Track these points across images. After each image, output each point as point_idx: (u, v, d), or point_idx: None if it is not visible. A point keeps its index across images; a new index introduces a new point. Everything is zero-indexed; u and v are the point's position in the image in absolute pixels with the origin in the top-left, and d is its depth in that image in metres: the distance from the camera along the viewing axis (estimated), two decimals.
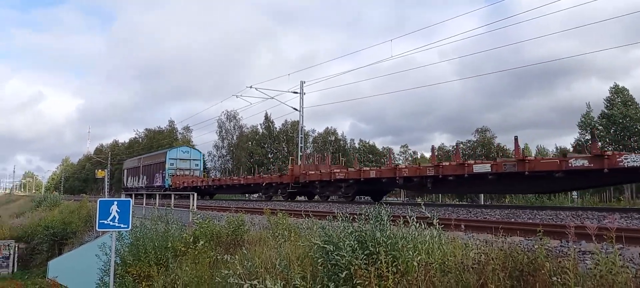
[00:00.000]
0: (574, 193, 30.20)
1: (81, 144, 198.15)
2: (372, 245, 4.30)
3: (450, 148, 54.13)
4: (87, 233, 24.29)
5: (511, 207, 15.96)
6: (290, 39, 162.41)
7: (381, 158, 58.81)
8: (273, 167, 51.73)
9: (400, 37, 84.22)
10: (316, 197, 24.76)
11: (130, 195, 31.47)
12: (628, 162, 11.44)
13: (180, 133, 73.72)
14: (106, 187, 55.84)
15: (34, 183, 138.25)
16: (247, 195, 39.10)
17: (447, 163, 16.28)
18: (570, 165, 12.46)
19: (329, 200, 22.29)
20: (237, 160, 59.32)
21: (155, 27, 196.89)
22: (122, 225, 7.85)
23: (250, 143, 62.86)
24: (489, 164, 14.68)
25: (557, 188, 17.11)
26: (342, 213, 4.96)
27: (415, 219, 4.72)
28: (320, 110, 68.83)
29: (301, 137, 33.81)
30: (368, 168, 20.71)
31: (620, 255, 3.77)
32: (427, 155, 56.12)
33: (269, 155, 63.00)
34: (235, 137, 63.28)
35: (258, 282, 4.39)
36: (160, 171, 40.60)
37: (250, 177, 30.92)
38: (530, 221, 9.41)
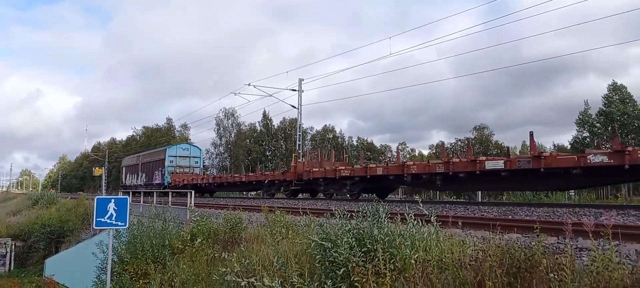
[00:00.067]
0: (571, 190, 30.26)
1: (79, 141, 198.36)
2: (369, 242, 4.29)
3: (448, 145, 54.32)
4: (84, 231, 24.25)
5: (508, 204, 15.99)
6: (289, 37, 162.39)
7: (379, 156, 58.89)
8: (271, 165, 51.78)
9: (399, 34, 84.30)
10: (320, 195, 24.44)
11: (128, 193, 31.32)
12: None
13: (178, 131, 73.72)
14: (103, 184, 55.68)
15: (31, 181, 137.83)
16: (246, 192, 38.95)
17: (458, 160, 15.77)
18: (588, 161, 11.87)
19: (333, 198, 21.89)
20: (235, 157, 59.29)
21: (154, 25, 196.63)
22: (119, 223, 7.82)
23: (248, 140, 62.87)
24: (502, 160, 14.06)
25: (575, 185, 16.57)
26: (339, 210, 4.96)
27: (412, 216, 4.72)
28: (318, 107, 69.13)
29: (299, 135, 33.83)
30: (374, 166, 20.24)
31: (616, 251, 3.78)
32: (425, 152, 56.25)
33: (267, 153, 63.02)
34: (233, 135, 63.22)
35: (255, 280, 4.38)
36: (160, 168, 40.28)
37: (252, 174, 30.53)
38: (528, 218, 9.43)
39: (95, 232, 16.69)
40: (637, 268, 3.27)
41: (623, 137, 38.58)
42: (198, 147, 45.21)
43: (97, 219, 7.71)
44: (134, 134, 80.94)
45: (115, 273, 8.39)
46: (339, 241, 4.32)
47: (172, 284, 7.06)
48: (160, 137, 69.48)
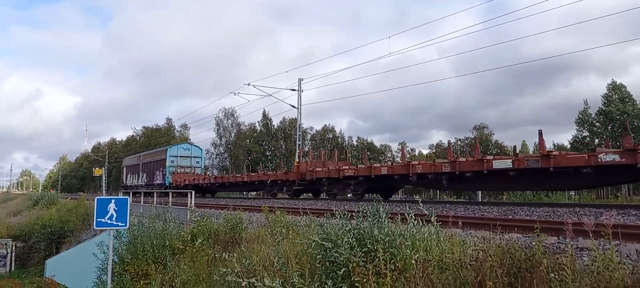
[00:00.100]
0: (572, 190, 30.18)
1: (79, 141, 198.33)
2: (370, 242, 4.30)
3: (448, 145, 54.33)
4: (85, 231, 24.25)
5: (509, 204, 15.95)
6: (289, 37, 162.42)
7: (379, 156, 58.88)
8: (271, 165, 51.78)
9: (398, 34, 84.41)
10: (323, 195, 24.23)
11: (128, 193, 31.24)
12: None
13: (177, 131, 73.71)
14: (104, 185, 55.67)
15: (31, 182, 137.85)
16: (246, 193, 38.83)
17: (464, 159, 15.53)
18: (599, 160, 11.61)
19: (337, 198, 21.72)
20: (234, 157, 59.29)
21: (154, 25, 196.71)
22: (119, 224, 7.82)
23: (248, 140, 62.87)
24: (510, 160, 13.79)
25: (585, 185, 16.23)
26: (340, 210, 4.97)
27: (413, 216, 4.72)
28: (318, 107, 69.16)
29: (299, 135, 33.80)
30: (379, 165, 20.04)
31: (617, 251, 3.79)
32: (425, 152, 56.24)
33: (267, 153, 63.04)
34: (233, 135, 63.22)
35: (256, 280, 4.39)
36: (161, 168, 40.08)
37: (254, 174, 30.32)
38: (528, 218, 9.43)
39: (95, 232, 16.68)
40: (638, 268, 3.26)
41: (623, 136, 38.59)
42: (199, 147, 44.99)
43: (98, 220, 7.71)
44: (134, 134, 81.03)
45: (115, 273, 8.39)
46: (339, 241, 4.33)
47: (173, 284, 7.06)
48: (160, 137, 69.47)
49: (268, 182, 26.76)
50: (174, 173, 38.30)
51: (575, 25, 42.90)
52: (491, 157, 14.94)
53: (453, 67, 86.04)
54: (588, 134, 41.01)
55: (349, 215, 4.82)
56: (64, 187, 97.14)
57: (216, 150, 64.14)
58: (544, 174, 12.96)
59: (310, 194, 26.84)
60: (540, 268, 3.51)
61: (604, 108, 40.13)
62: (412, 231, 4.54)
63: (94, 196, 16.59)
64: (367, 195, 20.77)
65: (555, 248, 4.97)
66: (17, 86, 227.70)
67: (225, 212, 9.69)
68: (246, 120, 64.96)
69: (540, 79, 77.01)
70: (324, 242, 4.49)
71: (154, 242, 8.84)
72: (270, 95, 33.13)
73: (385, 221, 4.51)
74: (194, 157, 41.81)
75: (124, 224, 7.90)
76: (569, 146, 42.85)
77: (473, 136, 49.25)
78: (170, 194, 16.94)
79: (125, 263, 8.71)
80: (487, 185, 17.89)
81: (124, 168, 52.32)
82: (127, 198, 8.19)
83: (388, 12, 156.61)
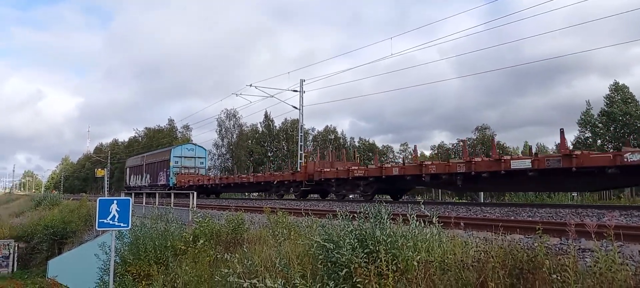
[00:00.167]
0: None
1: (81, 142, 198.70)
2: (372, 243, 4.29)
3: (450, 146, 54.24)
4: (87, 232, 24.29)
5: (511, 204, 15.88)
6: (290, 37, 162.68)
7: (380, 157, 58.79)
8: (273, 166, 51.77)
9: (400, 35, 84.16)
10: (330, 196, 23.89)
11: (130, 194, 31.18)
12: None
13: (179, 132, 73.79)
14: (106, 186, 55.76)
15: (33, 183, 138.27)
16: (249, 193, 38.66)
17: (480, 159, 15.12)
18: (625, 160, 11.21)
19: (346, 199, 21.41)
20: (236, 158, 59.32)
21: (154, 26, 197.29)
22: (121, 224, 7.84)
23: (250, 141, 62.88)
24: (529, 160, 13.34)
25: (610, 185, 15.79)
26: (342, 211, 4.97)
27: (415, 217, 4.72)
28: (320, 108, 69.16)
29: (301, 135, 33.81)
30: (390, 165, 19.63)
31: (619, 252, 3.78)
32: (427, 153, 56.19)
33: (269, 154, 63.05)
34: (235, 136, 63.25)
35: (258, 281, 4.39)
36: (165, 169, 39.89)
37: (260, 174, 29.98)
38: (530, 219, 9.41)
39: (97, 233, 16.71)
40: None
41: (625, 137, 38.46)
42: (203, 148, 44.73)
43: (100, 220, 7.73)
44: (136, 135, 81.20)
45: (117, 274, 8.40)
46: (341, 242, 4.33)
47: (175, 285, 7.07)
48: (162, 138, 69.58)
49: (275, 182, 26.45)
50: (178, 174, 38.07)
51: (577, 26, 42.86)
52: (509, 157, 14.56)
53: (454, 68, 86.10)
54: (590, 135, 40.87)
55: (351, 216, 4.83)
56: (67, 188, 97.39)
57: (218, 151, 64.20)
58: (566, 174, 12.59)
59: (317, 195, 26.51)
60: (543, 269, 3.50)
61: (606, 109, 39.97)
62: (414, 232, 4.54)
63: (96, 197, 16.63)
64: (376, 196, 20.44)
65: (557, 249, 4.96)
66: (18, 87, 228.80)
67: (227, 212, 9.69)
68: (248, 121, 65.05)
69: (542, 79, 77.01)
70: (325, 243, 4.49)
71: (156, 243, 8.85)
72: (272, 96, 33.24)
73: (387, 222, 4.51)
74: (198, 157, 41.53)
75: (126, 225, 7.91)
76: (571, 147, 42.65)
77: (475, 137, 49.16)
78: (172, 195, 16.94)
79: (127, 263, 8.73)
80: (505, 186, 17.37)
81: (127, 169, 52.25)
82: (129, 199, 8.21)
83: (388, 12, 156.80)
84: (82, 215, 27.91)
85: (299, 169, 26.70)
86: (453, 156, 43.12)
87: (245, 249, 6.21)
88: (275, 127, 63.94)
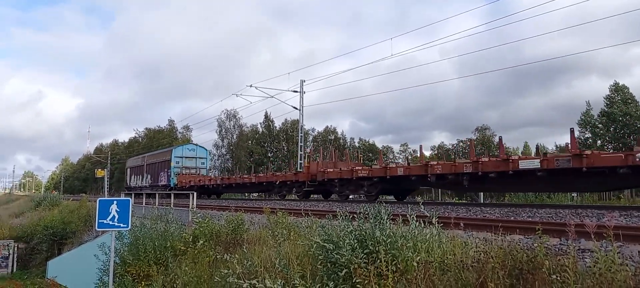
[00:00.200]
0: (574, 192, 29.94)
1: (81, 143, 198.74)
2: (371, 243, 4.29)
3: (450, 146, 54.28)
4: (87, 233, 24.28)
5: (510, 205, 15.86)
6: (290, 38, 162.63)
7: (384, 157, 58.81)
8: (273, 166, 51.75)
9: (400, 35, 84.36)
10: (333, 196, 23.70)
11: (130, 195, 31.10)
12: None
13: (180, 132, 73.79)
14: (106, 186, 55.75)
15: (33, 183, 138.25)
16: (249, 194, 38.56)
17: (487, 159, 14.96)
18: (637, 160, 11.11)
19: (349, 199, 21.19)
20: (237, 159, 59.32)
21: (155, 26, 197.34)
22: (121, 225, 7.84)
23: (250, 142, 62.88)
24: (538, 159, 13.15)
25: (621, 185, 15.67)
26: (342, 212, 4.96)
27: (414, 218, 4.71)
28: (320, 108, 69.15)
29: (301, 136, 33.79)
30: (395, 165, 19.45)
31: (619, 253, 3.77)
32: (427, 153, 56.22)
33: (269, 154, 63.05)
34: (235, 136, 63.24)
35: (257, 281, 4.39)
36: (166, 169, 39.73)
37: (262, 174, 29.81)
38: (530, 219, 9.41)
39: (97, 233, 16.71)
40: None
41: (625, 138, 38.44)
42: (204, 148, 44.54)
43: (100, 221, 7.73)
44: (136, 135, 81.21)
45: (117, 274, 8.40)
46: (341, 242, 4.33)
47: (174, 286, 7.07)
48: (162, 139, 69.59)
49: (277, 183, 26.31)
50: (179, 174, 37.91)
51: (577, 26, 42.84)
52: (517, 157, 14.40)
53: (455, 69, 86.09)
54: (590, 136, 40.88)
55: (351, 216, 4.82)
56: (67, 188, 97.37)
57: (218, 151, 64.18)
58: (576, 175, 12.44)
59: (320, 196, 26.36)
60: (542, 269, 3.50)
61: (606, 109, 39.97)
62: (414, 232, 4.53)
63: (96, 197, 16.63)
64: (380, 196, 20.27)
65: (557, 249, 4.96)
66: (19, 87, 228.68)
67: (227, 213, 9.69)
68: (248, 121, 65.04)
69: (542, 80, 77.00)
70: (325, 243, 4.49)
71: (156, 243, 8.85)
72: (272, 97, 33.22)
73: (386, 222, 4.51)
74: (199, 157, 41.37)
75: (125, 225, 7.91)
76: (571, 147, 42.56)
77: (475, 138, 49.18)
78: (172, 196, 16.93)
79: (126, 264, 8.73)
80: (512, 186, 17.15)
81: (128, 170, 52.12)
82: (128, 200, 8.21)
83: (388, 12, 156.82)
84: (81, 215, 27.90)
85: (301, 169, 26.56)
86: (453, 156, 43.09)
87: (244, 250, 6.21)
88: (276, 127, 63.95)
